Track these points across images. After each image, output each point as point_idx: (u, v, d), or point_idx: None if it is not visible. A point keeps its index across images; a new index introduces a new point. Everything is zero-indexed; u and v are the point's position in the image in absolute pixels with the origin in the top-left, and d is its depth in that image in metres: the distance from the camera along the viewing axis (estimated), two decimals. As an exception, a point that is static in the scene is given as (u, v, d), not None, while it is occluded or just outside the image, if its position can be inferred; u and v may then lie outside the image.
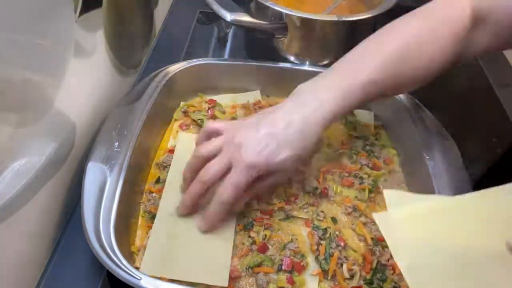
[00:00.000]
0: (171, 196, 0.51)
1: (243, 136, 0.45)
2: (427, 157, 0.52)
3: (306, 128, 0.44)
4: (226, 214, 0.45)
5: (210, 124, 0.50)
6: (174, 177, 0.53)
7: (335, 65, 0.47)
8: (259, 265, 0.46)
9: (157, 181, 0.54)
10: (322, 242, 0.48)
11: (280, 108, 0.46)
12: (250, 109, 0.63)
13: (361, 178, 0.55)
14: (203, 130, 0.50)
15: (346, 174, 0.56)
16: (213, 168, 0.45)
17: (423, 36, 0.46)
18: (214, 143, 0.46)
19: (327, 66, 0.68)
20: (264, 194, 0.51)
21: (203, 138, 0.50)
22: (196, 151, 0.47)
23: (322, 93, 0.45)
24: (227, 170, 0.44)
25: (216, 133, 0.48)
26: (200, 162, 0.46)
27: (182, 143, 0.58)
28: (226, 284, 0.44)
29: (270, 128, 0.44)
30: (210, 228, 0.46)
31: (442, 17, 0.47)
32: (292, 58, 0.70)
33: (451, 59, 0.48)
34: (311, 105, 0.44)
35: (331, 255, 0.47)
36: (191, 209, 0.47)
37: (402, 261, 0.32)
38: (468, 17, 0.46)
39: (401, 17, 0.49)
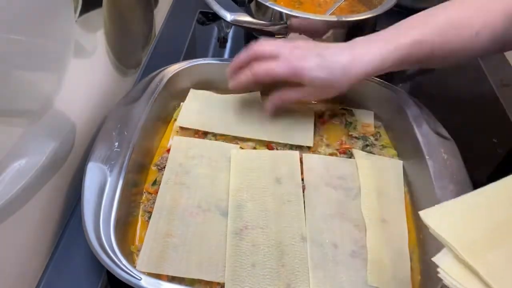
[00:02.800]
0: (167, 195, 0.51)
1: (300, 50, 0.52)
2: (427, 157, 0.52)
3: (348, 67, 0.50)
4: (252, 82, 0.53)
5: (260, 47, 0.53)
6: (170, 178, 0.53)
7: (391, 26, 0.52)
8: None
9: (154, 182, 0.54)
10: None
11: (334, 46, 0.52)
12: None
13: (361, 178, 0.55)
14: (248, 52, 0.54)
15: (346, 174, 0.56)
16: (269, 67, 0.51)
17: (472, 9, 0.49)
18: (273, 47, 0.52)
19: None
20: None
21: (243, 62, 0.54)
22: (256, 46, 0.53)
23: (371, 45, 0.51)
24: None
25: (263, 56, 0.53)
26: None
27: (175, 146, 0.57)
28: (224, 280, 0.44)
29: (321, 52, 0.51)
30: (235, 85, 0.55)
31: None
32: (292, 58, 0.70)
33: (501, 35, 0.49)
34: (359, 51, 0.51)
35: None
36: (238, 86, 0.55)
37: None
38: None
39: None
